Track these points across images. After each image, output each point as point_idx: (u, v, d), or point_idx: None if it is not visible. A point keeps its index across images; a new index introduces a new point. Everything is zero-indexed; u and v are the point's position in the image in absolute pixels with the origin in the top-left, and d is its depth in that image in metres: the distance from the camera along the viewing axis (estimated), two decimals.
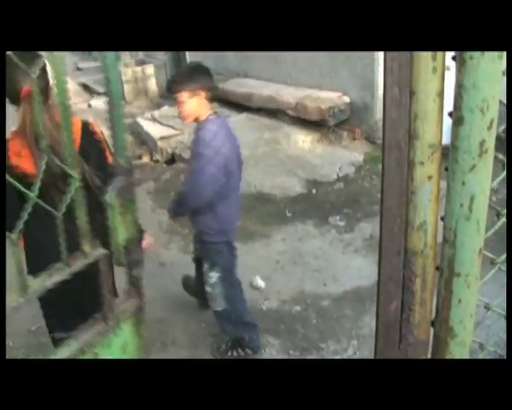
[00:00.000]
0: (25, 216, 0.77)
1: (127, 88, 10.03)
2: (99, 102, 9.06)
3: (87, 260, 0.86)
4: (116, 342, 0.92)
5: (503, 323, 1.22)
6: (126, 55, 11.84)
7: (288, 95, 6.94)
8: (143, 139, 7.51)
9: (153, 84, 10.33)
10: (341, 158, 6.17)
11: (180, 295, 3.70)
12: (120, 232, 0.88)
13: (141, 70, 10.28)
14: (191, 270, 3.44)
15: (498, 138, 0.91)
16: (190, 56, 9.50)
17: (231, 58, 8.51)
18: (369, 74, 6.15)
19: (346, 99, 6.52)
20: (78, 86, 10.51)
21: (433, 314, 1.04)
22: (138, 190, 5.86)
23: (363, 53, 6.13)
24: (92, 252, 0.88)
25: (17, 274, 0.81)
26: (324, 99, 6.57)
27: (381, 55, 0.97)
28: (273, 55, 7.53)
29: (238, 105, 7.64)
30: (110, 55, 0.82)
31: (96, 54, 13.96)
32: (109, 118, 0.85)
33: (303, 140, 6.59)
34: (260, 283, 3.90)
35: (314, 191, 5.50)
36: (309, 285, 3.89)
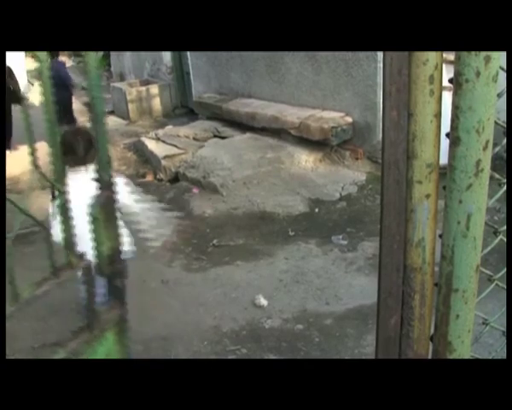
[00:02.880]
0: None
1: (132, 107, 10.14)
2: None
3: (73, 270, 0.93)
4: (101, 350, 0.97)
5: (505, 341, 1.23)
6: (131, 75, 11.97)
7: (292, 115, 7.00)
8: (147, 158, 7.58)
9: (157, 104, 10.44)
10: (344, 177, 6.21)
11: (183, 313, 3.71)
12: (105, 243, 0.94)
13: (145, 90, 10.39)
14: (195, 287, 3.46)
15: (500, 158, 0.93)
16: (194, 77, 9.61)
17: (235, 78, 8.61)
18: (371, 95, 6.22)
19: (349, 119, 6.58)
20: (83, 105, 10.60)
21: (432, 329, 1.06)
22: None
23: (366, 74, 6.20)
24: (78, 263, 0.94)
25: (8, 284, 0.85)
26: (327, 119, 6.63)
27: None
28: (277, 76, 7.62)
29: (242, 125, 7.71)
30: (94, 76, 0.86)
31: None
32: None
33: (306, 159, 6.63)
34: (263, 301, 3.91)
35: (317, 210, 5.53)
36: (311, 304, 3.90)
